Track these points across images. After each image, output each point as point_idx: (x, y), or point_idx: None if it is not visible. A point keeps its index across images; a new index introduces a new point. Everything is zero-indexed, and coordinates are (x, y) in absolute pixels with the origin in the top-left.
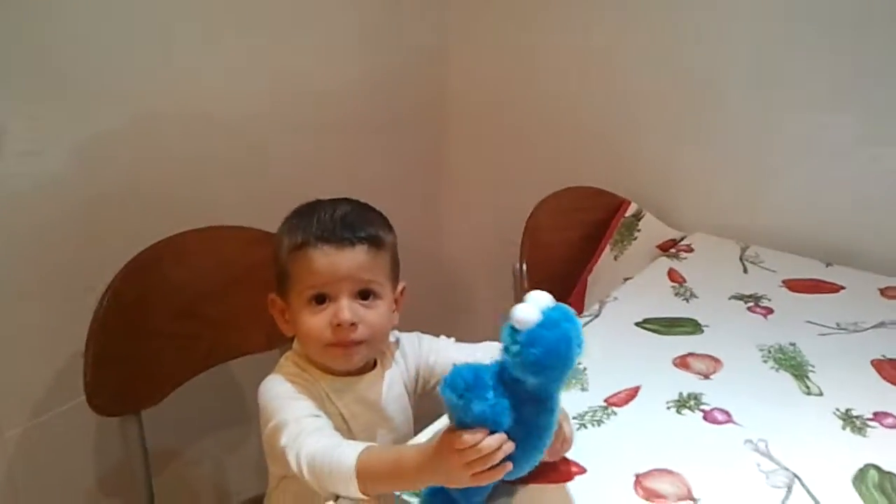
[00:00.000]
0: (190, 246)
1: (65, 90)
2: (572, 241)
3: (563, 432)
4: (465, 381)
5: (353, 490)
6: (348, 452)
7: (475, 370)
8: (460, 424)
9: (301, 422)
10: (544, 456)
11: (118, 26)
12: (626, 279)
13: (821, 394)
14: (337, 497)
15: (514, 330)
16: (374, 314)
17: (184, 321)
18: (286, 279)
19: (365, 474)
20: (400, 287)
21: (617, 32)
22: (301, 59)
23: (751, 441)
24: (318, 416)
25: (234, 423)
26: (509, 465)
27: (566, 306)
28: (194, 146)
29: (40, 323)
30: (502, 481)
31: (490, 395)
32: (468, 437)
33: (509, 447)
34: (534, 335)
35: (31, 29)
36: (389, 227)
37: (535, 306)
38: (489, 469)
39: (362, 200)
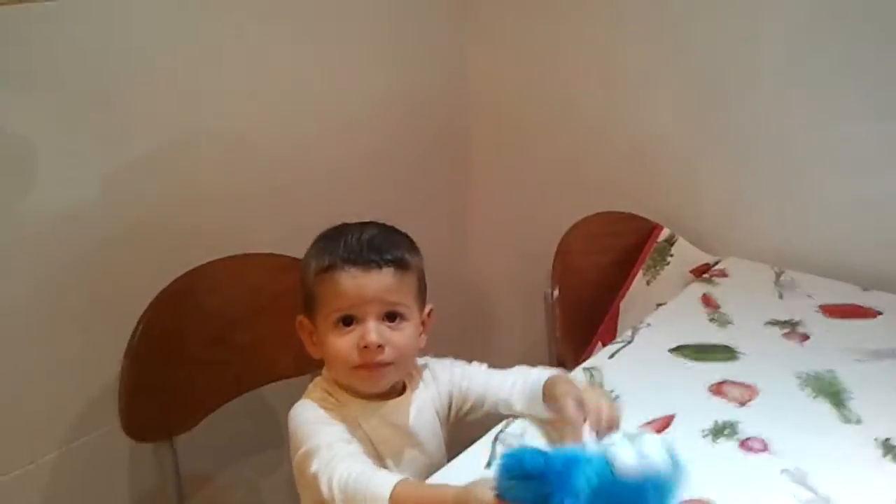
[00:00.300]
0: (220, 274)
1: (96, 118)
2: (604, 267)
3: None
4: (521, 469)
5: None
6: (383, 482)
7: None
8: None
9: (333, 447)
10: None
11: (150, 55)
12: (658, 305)
13: (859, 422)
14: None
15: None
16: (400, 336)
17: (215, 348)
18: (313, 302)
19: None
20: (427, 309)
21: (645, 52)
22: (325, 84)
23: (788, 471)
24: (349, 441)
25: (266, 448)
26: None
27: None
28: (223, 174)
29: (74, 349)
30: None
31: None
32: None
33: None
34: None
35: (65, 56)
36: (416, 250)
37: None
38: None
39: (388, 223)
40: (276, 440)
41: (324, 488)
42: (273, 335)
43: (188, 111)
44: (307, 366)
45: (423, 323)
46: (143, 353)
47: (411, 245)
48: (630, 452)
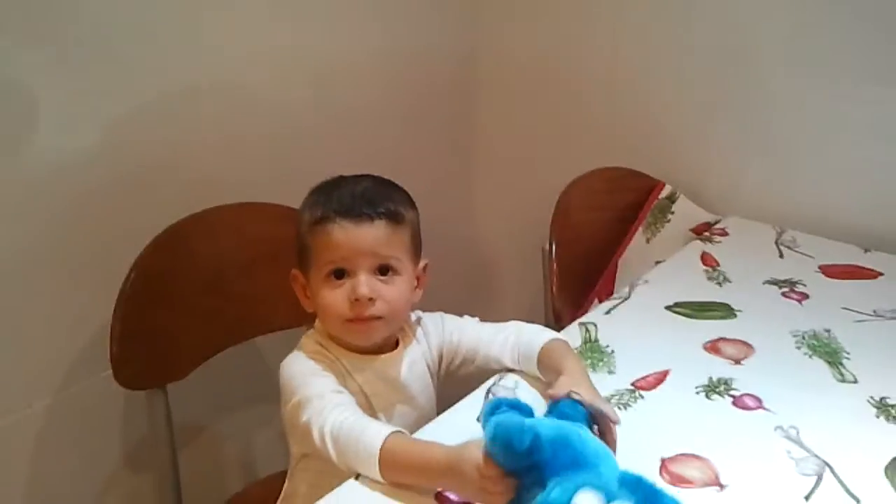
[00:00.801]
0: (217, 221)
1: (98, 65)
2: (604, 223)
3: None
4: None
5: (374, 472)
6: (375, 434)
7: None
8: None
9: (324, 397)
10: None
11: (151, 2)
12: (657, 262)
13: (855, 381)
14: (357, 475)
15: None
16: (392, 290)
17: (210, 296)
18: (307, 254)
19: (388, 461)
20: (422, 264)
21: (652, 9)
22: (329, 34)
23: (781, 428)
24: (340, 391)
25: (259, 399)
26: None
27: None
28: (224, 122)
29: (70, 295)
30: None
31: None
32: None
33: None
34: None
35: (67, 4)
36: (411, 204)
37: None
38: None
39: (388, 177)
40: (270, 392)
41: (315, 437)
42: (269, 285)
43: (189, 59)
44: (302, 317)
45: (418, 278)
46: (136, 299)
47: (406, 199)
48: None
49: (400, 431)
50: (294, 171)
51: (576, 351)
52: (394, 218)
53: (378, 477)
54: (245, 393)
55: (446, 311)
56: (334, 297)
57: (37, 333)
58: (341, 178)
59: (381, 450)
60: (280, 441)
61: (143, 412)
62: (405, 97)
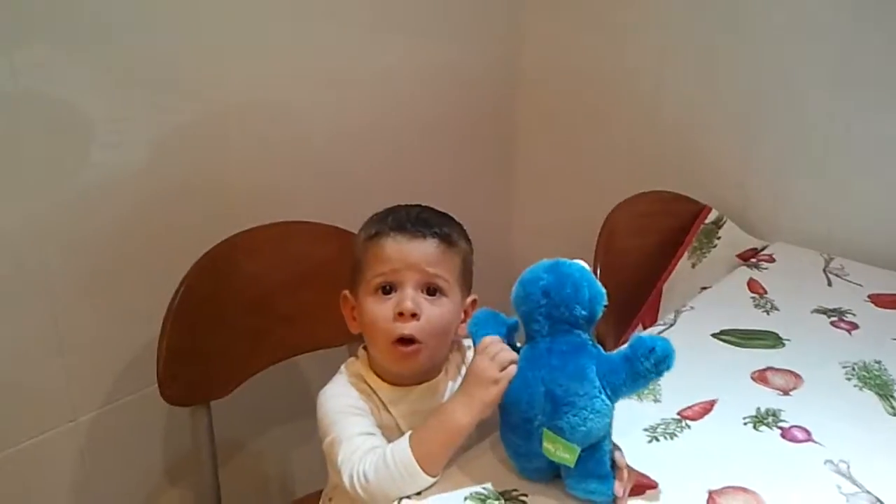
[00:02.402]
0: (262, 240)
1: (144, 83)
2: (649, 248)
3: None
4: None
5: (422, 479)
6: (399, 449)
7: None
8: None
9: (354, 440)
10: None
11: (202, 19)
12: (703, 288)
13: None
14: (400, 500)
15: None
16: (437, 311)
17: (255, 315)
18: (358, 270)
19: (421, 454)
20: (470, 299)
21: (697, 31)
22: (373, 54)
23: (831, 461)
24: (371, 433)
25: (300, 417)
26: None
27: (581, 266)
28: (268, 144)
29: (116, 311)
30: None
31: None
32: (482, 342)
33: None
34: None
35: (117, 22)
36: (465, 237)
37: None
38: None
39: (436, 205)
40: (310, 410)
41: (346, 483)
42: (312, 304)
43: (236, 78)
44: (344, 337)
45: (465, 312)
46: (183, 317)
47: (461, 231)
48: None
49: (410, 434)
50: (337, 190)
51: None
52: (446, 240)
53: (427, 480)
54: (286, 411)
55: None
56: (379, 310)
57: (83, 348)
58: (398, 205)
59: (412, 453)
60: (320, 459)
61: (185, 428)
62: (447, 117)
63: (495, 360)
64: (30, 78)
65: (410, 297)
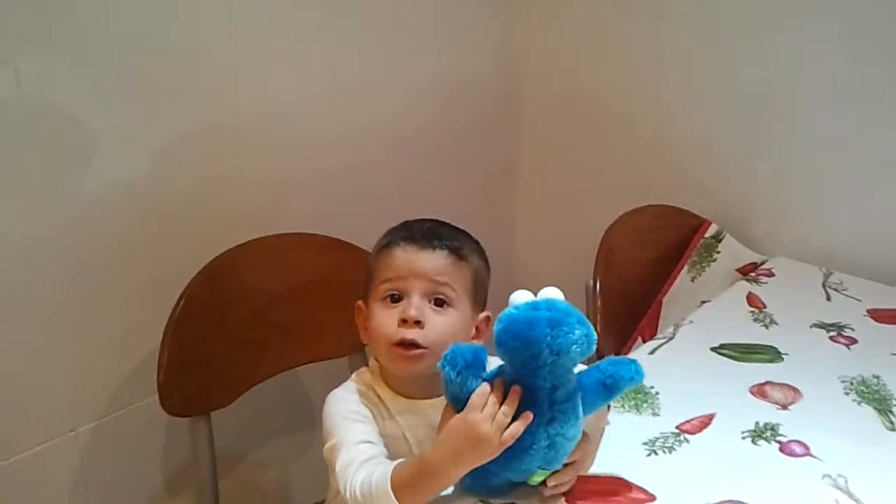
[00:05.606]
0: (263, 252)
1: (145, 96)
2: (649, 261)
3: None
4: (464, 359)
5: None
6: (382, 473)
7: (474, 350)
8: (454, 399)
9: (352, 450)
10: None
11: (205, 31)
12: (702, 302)
13: None
14: None
15: None
16: (442, 321)
17: (255, 326)
18: (370, 280)
19: (400, 487)
20: (483, 315)
21: (697, 47)
22: (373, 67)
23: (829, 476)
24: (371, 442)
25: (300, 429)
26: (530, 415)
27: (561, 301)
28: (268, 154)
29: (116, 322)
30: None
31: (485, 374)
32: (477, 397)
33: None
34: (504, 314)
35: (120, 34)
36: (480, 253)
37: (529, 294)
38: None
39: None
40: (310, 421)
41: (342, 489)
42: (313, 315)
43: (237, 88)
44: (345, 348)
45: (477, 328)
46: (183, 328)
47: (476, 246)
48: (523, 292)
49: (399, 463)
50: (338, 202)
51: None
52: (456, 252)
53: None
54: (286, 422)
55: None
56: (384, 318)
57: (83, 359)
58: (415, 219)
59: (391, 483)
60: (320, 471)
61: (185, 438)
62: (449, 130)
63: (495, 423)
64: (34, 88)
65: (416, 304)
